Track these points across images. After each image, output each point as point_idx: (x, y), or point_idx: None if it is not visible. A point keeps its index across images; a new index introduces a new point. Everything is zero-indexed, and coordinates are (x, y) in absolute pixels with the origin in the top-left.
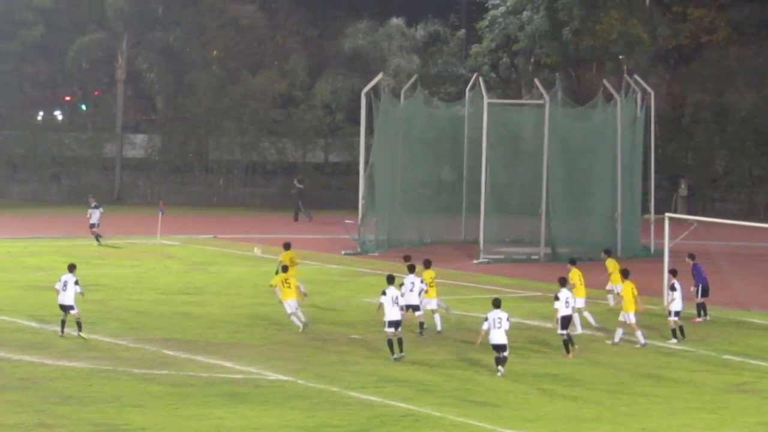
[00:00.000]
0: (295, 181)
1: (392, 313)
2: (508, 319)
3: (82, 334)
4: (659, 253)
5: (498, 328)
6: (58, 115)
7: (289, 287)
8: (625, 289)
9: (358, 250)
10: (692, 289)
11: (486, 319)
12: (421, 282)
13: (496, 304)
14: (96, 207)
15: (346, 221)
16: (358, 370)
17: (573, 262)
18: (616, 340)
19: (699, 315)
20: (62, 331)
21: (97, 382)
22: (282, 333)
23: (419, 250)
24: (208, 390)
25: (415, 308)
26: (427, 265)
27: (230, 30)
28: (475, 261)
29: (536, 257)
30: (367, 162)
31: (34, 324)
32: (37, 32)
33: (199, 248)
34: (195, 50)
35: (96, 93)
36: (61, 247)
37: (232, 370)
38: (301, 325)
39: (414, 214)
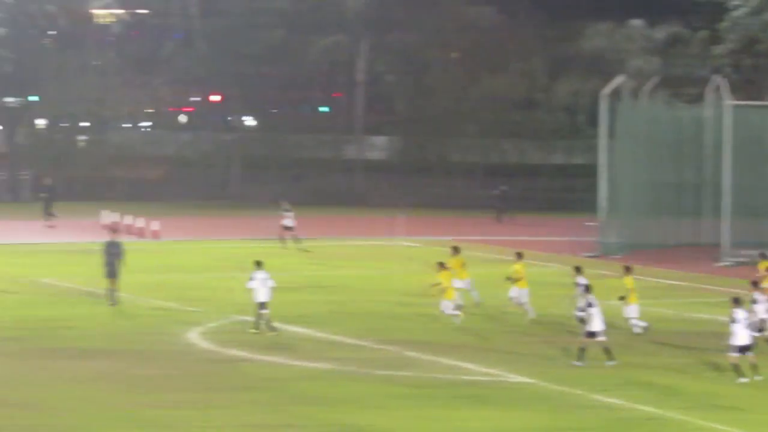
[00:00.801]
0: (500, 186)
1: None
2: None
3: (274, 324)
4: None
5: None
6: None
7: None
8: None
9: (599, 252)
10: None
11: (735, 321)
12: None
13: (738, 302)
14: (288, 210)
15: (586, 223)
16: (601, 372)
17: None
18: None
19: None
20: (273, 328)
21: (340, 383)
22: (526, 336)
23: (660, 253)
24: (451, 391)
25: None
26: (627, 271)
27: (469, 32)
28: (717, 264)
29: None
30: (608, 164)
31: (277, 325)
32: (278, 35)
33: (439, 250)
34: (434, 52)
35: (336, 95)
36: (304, 247)
37: (475, 371)
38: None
39: (656, 216)
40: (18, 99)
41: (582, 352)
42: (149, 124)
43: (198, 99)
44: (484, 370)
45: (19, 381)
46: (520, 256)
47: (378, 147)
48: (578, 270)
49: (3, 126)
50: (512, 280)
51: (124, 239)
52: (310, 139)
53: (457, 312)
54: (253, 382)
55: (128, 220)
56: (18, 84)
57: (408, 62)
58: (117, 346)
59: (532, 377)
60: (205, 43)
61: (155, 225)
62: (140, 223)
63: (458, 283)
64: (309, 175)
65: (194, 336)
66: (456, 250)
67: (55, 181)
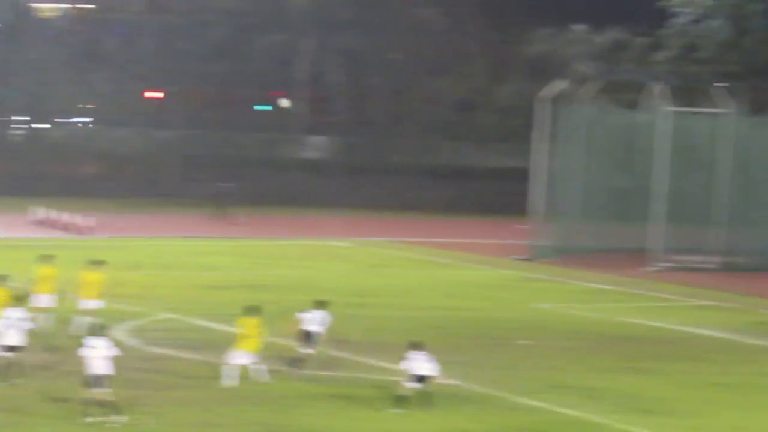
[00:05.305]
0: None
1: None
2: None
3: None
4: None
5: None
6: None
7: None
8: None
9: (531, 255)
10: None
11: None
12: None
13: None
14: None
15: (517, 226)
16: (525, 375)
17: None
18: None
19: None
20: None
21: (267, 383)
22: (451, 337)
23: (591, 257)
24: (376, 392)
25: None
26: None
27: (413, 33)
28: (646, 268)
29: (709, 266)
30: (543, 168)
31: (204, 323)
32: (221, 33)
33: (372, 250)
34: (376, 52)
35: (277, 94)
36: (235, 247)
37: (397, 372)
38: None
39: (589, 220)
40: None
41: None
42: (90, 119)
43: (139, 95)
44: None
45: None
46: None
47: (317, 147)
48: None
49: None
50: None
51: (57, 235)
52: (249, 138)
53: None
54: (182, 380)
55: (61, 215)
56: None
57: (350, 63)
58: None
59: (456, 379)
60: (150, 39)
61: (89, 221)
62: (74, 218)
63: None
64: (247, 174)
65: (122, 333)
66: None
67: None
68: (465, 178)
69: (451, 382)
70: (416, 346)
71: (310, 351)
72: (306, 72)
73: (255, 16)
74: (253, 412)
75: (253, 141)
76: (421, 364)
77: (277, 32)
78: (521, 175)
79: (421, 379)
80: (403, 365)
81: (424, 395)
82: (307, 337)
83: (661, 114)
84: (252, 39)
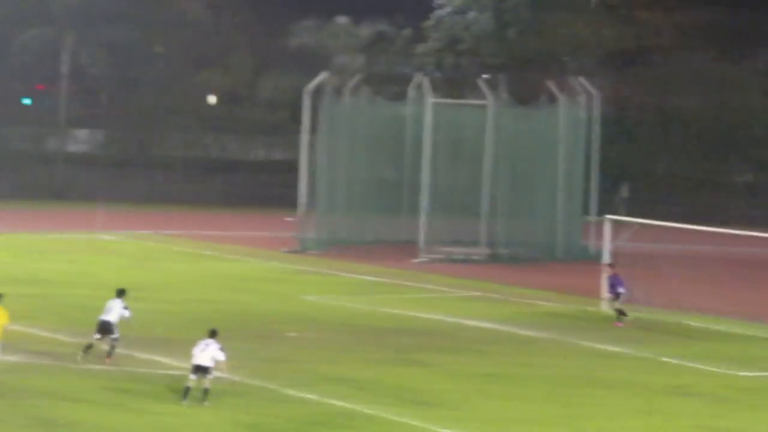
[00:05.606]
0: None
1: None
2: None
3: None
4: (599, 255)
5: None
6: None
7: None
8: None
9: (298, 248)
10: (622, 291)
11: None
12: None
13: None
14: None
15: (286, 219)
16: (295, 367)
17: None
18: None
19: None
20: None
21: (33, 377)
22: (220, 330)
23: (360, 249)
24: (145, 386)
25: None
26: None
27: (176, 26)
28: (414, 260)
29: (476, 257)
30: (309, 160)
31: None
32: None
33: (140, 244)
34: (140, 46)
35: (39, 87)
36: (2, 241)
37: (169, 366)
38: None
39: (355, 212)
40: None
41: None
42: None
43: None
44: (177, 364)
45: None
46: None
47: (80, 140)
48: None
49: None
50: None
51: None
52: (10, 132)
53: None
54: None
55: None
56: None
57: (114, 55)
58: None
59: (225, 372)
60: None
61: None
62: None
63: None
64: (8, 167)
65: None
66: None
67: None
68: (232, 171)
69: (225, 375)
70: (211, 334)
71: (116, 336)
72: (70, 65)
73: (18, 10)
74: (24, 407)
75: (17, 134)
76: (201, 354)
77: (41, 25)
78: (289, 168)
79: (199, 369)
80: (192, 353)
81: (203, 387)
82: (105, 327)
83: (424, 106)
84: (15, 32)
